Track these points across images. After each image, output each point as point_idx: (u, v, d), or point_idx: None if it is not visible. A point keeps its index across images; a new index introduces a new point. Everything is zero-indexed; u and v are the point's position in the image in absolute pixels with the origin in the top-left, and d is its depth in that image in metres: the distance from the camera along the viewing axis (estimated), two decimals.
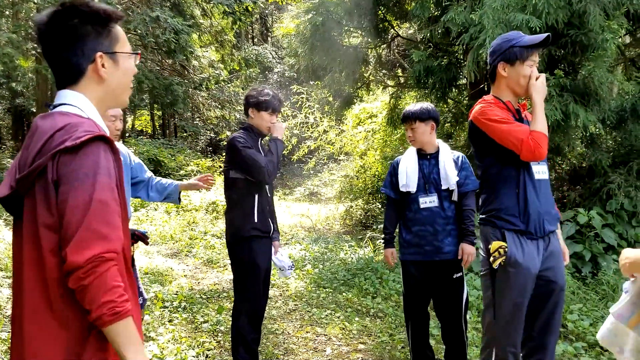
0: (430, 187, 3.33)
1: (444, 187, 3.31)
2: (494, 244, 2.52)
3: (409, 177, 3.35)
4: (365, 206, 10.23)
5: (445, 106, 7.57)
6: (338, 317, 4.73)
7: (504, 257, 2.49)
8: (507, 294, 2.52)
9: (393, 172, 3.47)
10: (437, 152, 3.40)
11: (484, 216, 2.64)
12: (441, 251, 3.27)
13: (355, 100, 10.32)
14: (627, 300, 1.65)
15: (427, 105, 3.37)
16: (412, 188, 3.33)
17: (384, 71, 9.58)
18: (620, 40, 5.76)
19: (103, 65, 1.47)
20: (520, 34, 2.57)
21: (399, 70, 9.79)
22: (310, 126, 11.88)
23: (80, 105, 1.46)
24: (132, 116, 21.11)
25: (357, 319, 4.68)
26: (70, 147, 1.32)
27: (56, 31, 1.44)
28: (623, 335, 1.69)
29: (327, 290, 5.57)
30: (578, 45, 5.51)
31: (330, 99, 10.12)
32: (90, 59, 1.46)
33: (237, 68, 16.22)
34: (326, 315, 4.78)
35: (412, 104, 3.46)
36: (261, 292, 3.39)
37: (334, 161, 13.86)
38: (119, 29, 1.52)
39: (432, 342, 4.05)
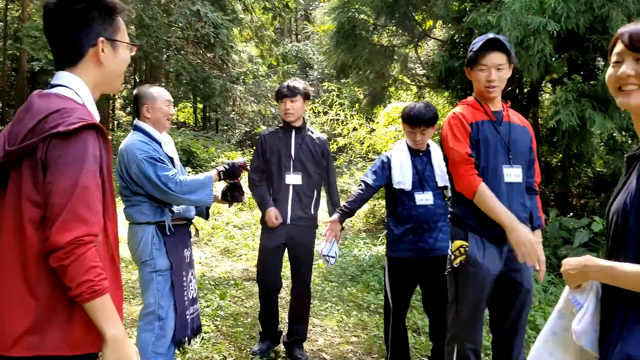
0: (425, 185, 3.34)
1: (440, 185, 3.34)
2: (455, 243, 2.58)
3: (403, 174, 3.33)
4: None
5: None
6: (337, 310, 4.82)
7: (463, 257, 2.53)
8: (467, 292, 2.58)
9: (383, 166, 3.39)
10: (429, 149, 3.41)
11: (451, 216, 2.68)
12: (434, 248, 3.30)
13: (388, 99, 10.35)
14: (589, 313, 1.57)
15: (432, 107, 3.34)
16: (408, 186, 3.32)
17: (414, 70, 9.58)
18: None
19: (103, 50, 1.55)
20: (488, 36, 2.56)
21: (429, 71, 9.76)
22: (340, 123, 11.95)
23: (76, 89, 1.54)
24: (175, 108, 21.66)
25: (355, 313, 4.75)
26: (63, 133, 1.39)
27: (64, 12, 1.51)
28: (560, 352, 1.66)
29: (332, 284, 5.67)
30: (599, 50, 5.42)
31: (361, 96, 10.16)
32: (92, 42, 1.54)
33: (275, 63, 16.47)
34: (326, 307, 4.88)
35: (413, 104, 3.39)
36: (268, 273, 3.75)
37: (363, 159, 13.91)
38: (121, 21, 1.62)
39: (423, 338, 4.11)
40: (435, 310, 3.39)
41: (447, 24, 7.17)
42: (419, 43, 8.71)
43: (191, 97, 18.48)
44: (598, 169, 7.17)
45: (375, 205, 10.45)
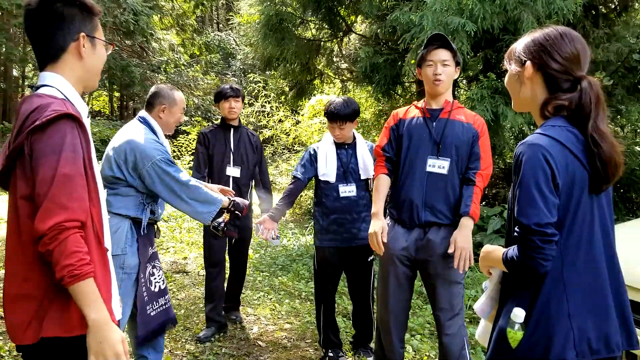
0: (349, 177, 3.48)
1: (363, 177, 3.49)
2: None
3: (328, 166, 3.47)
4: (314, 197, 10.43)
5: (390, 102, 7.83)
6: (270, 299, 4.94)
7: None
8: (378, 270, 2.98)
9: (311, 158, 3.54)
10: (354, 142, 3.55)
11: None
12: (357, 237, 3.48)
13: (313, 92, 10.52)
14: (487, 296, 1.82)
15: (353, 103, 3.46)
16: (332, 178, 3.46)
17: (337, 64, 9.78)
18: None
19: (83, 45, 1.63)
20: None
21: (352, 65, 10.01)
22: (266, 115, 12.00)
23: (58, 86, 1.61)
24: (89, 96, 20.74)
25: (287, 301, 4.89)
26: (39, 126, 1.47)
27: (47, 9, 1.60)
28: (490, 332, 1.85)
29: (264, 274, 5.77)
30: None
31: (286, 89, 10.25)
32: (73, 37, 1.62)
33: (198, 53, 16.19)
34: (259, 297, 4.98)
35: (334, 99, 3.51)
36: (212, 255, 4.12)
37: (289, 151, 14.04)
38: (98, 21, 1.71)
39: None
40: (358, 297, 3.62)
41: (371, 20, 7.40)
42: (344, 38, 8.93)
43: (107, 85, 17.78)
44: (508, 161, 7.70)
45: (301, 196, 10.62)
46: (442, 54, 2.76)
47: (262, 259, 6.38)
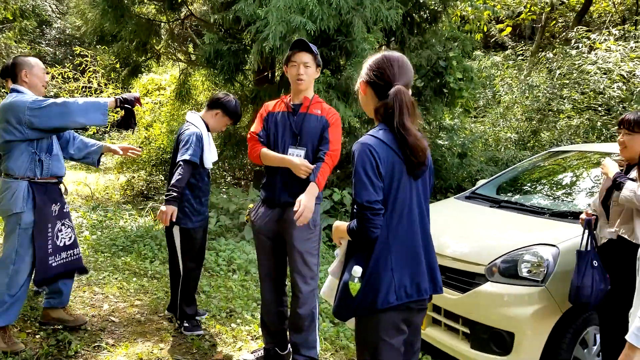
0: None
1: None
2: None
3: (212, 152, 3.81)
4: (147, 178, 10.30)
5: (232, 88, 8.11)
6: (116, 279, 4.99)
7: (247, 217, 3.43)
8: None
9: (199, 143, 3.65)
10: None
11: None
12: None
13: (143, 70, 10.30)
14: (338, 261, 2.31)
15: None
16: (210, 163, 3.80)
17: (175, 45, 9.73)
18: (376, 50, 6.91)
19: None
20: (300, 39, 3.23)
21: (191, 47, 10.04)
22: (93, 91, 11.42)
23: None
24: None
25: (134, 279, 5.00)
26: None
27: None
28: (335, 288, 2.31)
29: (105, 255, 5.74)
30: (344, 50, 6.51)
31: (118, 66, 9.91)
32: None
33: (11, 17, 14.60)
34: (104, 277, 5.00)
35: (229, 97, 3.90)
36: None
37: (117, 130, 13.49)
38: None
39: (203, 296, 4.61)
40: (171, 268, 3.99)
41: (216, 7, 7.56)
42: (184, 20, 8.95)
43: None
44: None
45: (133, 177, 10.40)
46: (304, 57, 3.16)
47: (100, 240, 6.29)
